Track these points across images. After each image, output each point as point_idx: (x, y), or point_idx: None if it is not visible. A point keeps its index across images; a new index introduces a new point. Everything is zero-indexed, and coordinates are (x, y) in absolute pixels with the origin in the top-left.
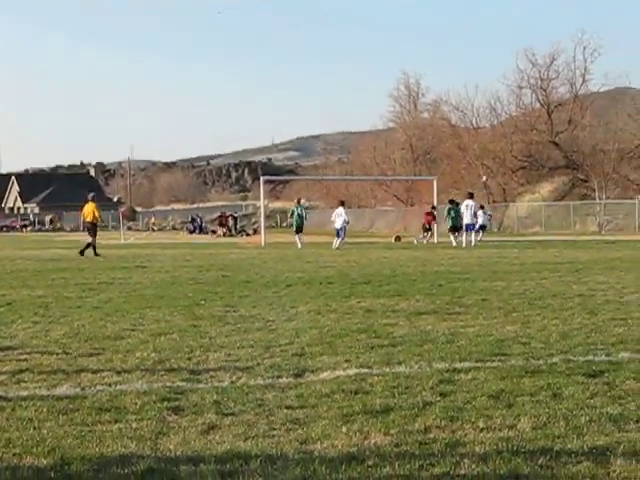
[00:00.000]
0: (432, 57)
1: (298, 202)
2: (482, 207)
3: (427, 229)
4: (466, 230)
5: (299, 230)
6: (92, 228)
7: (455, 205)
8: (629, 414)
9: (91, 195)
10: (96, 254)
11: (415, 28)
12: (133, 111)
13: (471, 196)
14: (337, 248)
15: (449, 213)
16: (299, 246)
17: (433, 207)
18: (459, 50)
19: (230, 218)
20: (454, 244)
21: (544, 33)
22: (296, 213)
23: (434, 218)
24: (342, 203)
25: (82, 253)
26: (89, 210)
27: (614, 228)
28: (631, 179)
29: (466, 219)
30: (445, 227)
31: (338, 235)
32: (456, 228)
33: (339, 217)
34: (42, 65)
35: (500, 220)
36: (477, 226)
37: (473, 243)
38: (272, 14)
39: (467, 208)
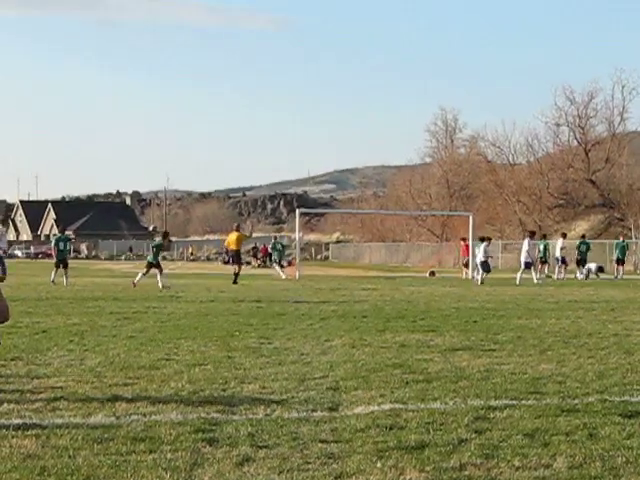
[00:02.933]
0: (469, 93)
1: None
2: (564, 236)
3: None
4: (525, 267)
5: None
6: (236, 256)
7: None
8: None
9: (236, 224)
10: (235, 282)
11: (453, 63)
12: (169, 141)
13: (532, 235)
14: (481, 283)
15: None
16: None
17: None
18: (496, 86)
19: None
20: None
21: (582, 70)
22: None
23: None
24: (482, 239)
25: (235, 282)
26: (233, 239)
27: None
28: None
29: (523, 257)
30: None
31: (483, 269)
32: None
33: (480, 252)
34: (78, 93)
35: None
36: (559, 262)
37: (518, 280)
38: (307, 47)
39: (528, 245)
